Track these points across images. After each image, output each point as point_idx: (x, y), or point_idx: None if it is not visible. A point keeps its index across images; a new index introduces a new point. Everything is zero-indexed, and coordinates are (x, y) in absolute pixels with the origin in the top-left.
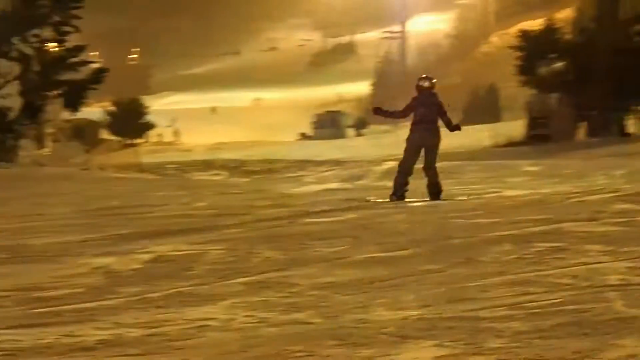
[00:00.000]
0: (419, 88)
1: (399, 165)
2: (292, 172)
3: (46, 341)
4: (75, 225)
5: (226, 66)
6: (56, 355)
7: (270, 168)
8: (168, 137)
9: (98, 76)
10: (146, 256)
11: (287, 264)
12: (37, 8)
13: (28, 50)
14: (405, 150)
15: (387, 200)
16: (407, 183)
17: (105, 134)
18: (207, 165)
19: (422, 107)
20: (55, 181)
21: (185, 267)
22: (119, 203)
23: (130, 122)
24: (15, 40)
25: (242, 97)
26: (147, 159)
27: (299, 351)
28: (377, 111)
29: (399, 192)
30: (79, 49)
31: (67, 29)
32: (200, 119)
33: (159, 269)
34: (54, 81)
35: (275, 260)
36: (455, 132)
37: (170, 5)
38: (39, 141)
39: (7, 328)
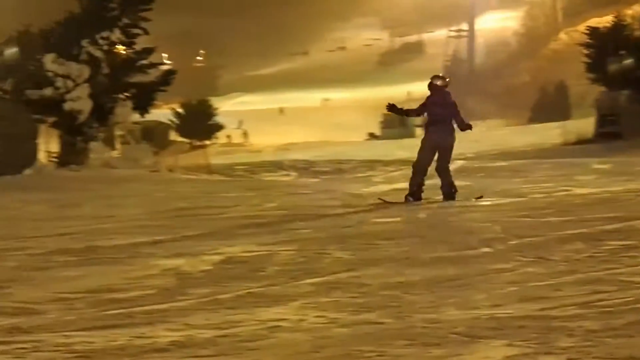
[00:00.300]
0: (433, 87)
1: (414, 166)
2: (360, 172)
3: (118, 343)
4: (145, 227)
5: (294, 66)
6: (128, 357)
7: (339, 168)
8: (237, 138)
9: (167, 78)
10: (217, 257)
11: (356, 264)
12: (106, 11)
13: (97, 53)
14: (421, 150)
15: (402, 201)
16: (423, 183)
17: (174, 136)
18: (276, 166)
19: (437, 107)
20: (125, 183)
21: (256, 268)
22: (189, 204)
23: (199, 123)
24: (84, 43)
25: (310, 98)
26: (216, 161)
27: (370, 351)
28: (392, 108)
29: (416, 194)
30: (148, 51)
31: (136, 31)
32: (269, 120)
33: (230, 270)
34: (123, 83)
35: (345, 261)
36: (467, 130)
37: (239, 6)
38: (109, 143)
39: (79, 330)
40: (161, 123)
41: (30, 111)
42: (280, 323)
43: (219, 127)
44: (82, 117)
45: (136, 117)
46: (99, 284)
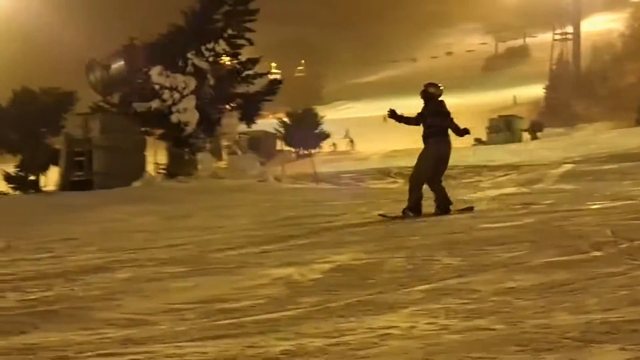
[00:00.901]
0: (429, 95)
1: (414, 179)
2: (468, 178)
3: (230, 352)
4: (254, 236)
5: (399, 73)
6: None
7: (446, 174)
8: (342, 146)
9: (273, 88)
10: (326, 266)
11: (466, 270)
12: (211, 22)
13: (203, 65)
14: (422, 163)
15: (401, 215)
16: (422, 196)
17: (280, 145)
18: (383, 173)
19: (434, 116)
20: (233, 193)
21: (365, 276)
22: (297, 214)
23: (305, 132)
24: (190, 54)
25: (415, 104)
26: (322, 169)
27: (481, 358)
28: (392, 114)
29: (416, 208)
30: (253, 62)
31: (240, 42)
32: (373, 127)
33: (339, 279)
34: (229, 94)
35: (455, 267)
36: (466, 135)
37: (342, 15)
38: (216, 154)
39: (191, 340)
40: (267, 133)
41: (138, 124)
42: (390, 330)
43: (325, 135)
44: (189, 129)
45: (242, 127)
46: (210, 294)
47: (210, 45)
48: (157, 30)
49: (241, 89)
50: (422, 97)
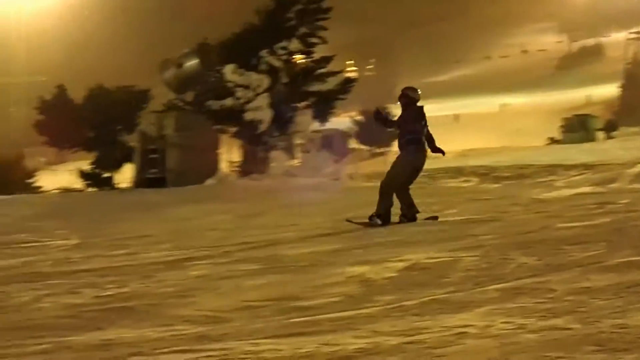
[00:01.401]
0: (409, 100)
1: (386, 186)
2: (542, 177)
3: (305, 350)
4: (327, 235)
5: (471, 72)
6: None
7: (520, 173)
8: None
9: (346, 86)
10: (400, 264)
11: (542, 269)
12: (284, 21)
13: (276, 63)
14: (398, 170)
15: (367, 222)
16: (392, 204)
17: (353, 144)
18: (456, 172)
19: (413, 123)
20: (306, 192)
21: (440, 274)
22: (370, 212)
23: (378, 130)
24: (263, 53)
25: (487, 103)
26: None
27: (559, 357)
28: (377, 114)
29: (385, 216)
30: (327, 60)
31: (314, 40)
32: (445, 126)
33: (414, 277)
34: (302, 92)
35: (530, 266)
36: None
37: (414, 14)
38: (289, 152)
39: (266, 338)
40: (341, 131)
41: (212, 122)
42: (466, 329)
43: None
44: (263, 127)
45: (316, 125)
46: (284, 291)
47: (283, 44)
48: (231, 29)
49: (315, 87)
50: (401, 102)
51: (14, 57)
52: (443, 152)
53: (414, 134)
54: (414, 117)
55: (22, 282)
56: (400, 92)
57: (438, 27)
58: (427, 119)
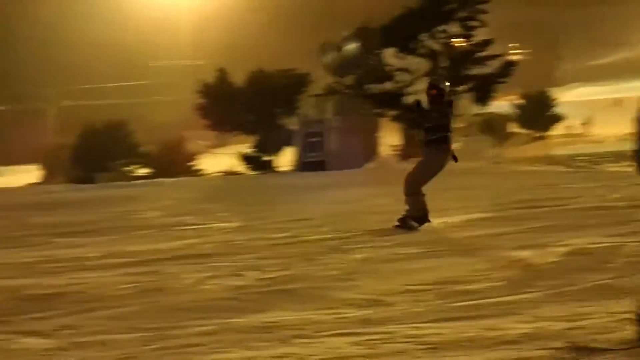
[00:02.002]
0: (439, 92)
1: (416, 186)
2: None
3: (467, 334)
4: (489, 219)
5: (633, 55)
6: (478, 349)
7: None
8: (577, 129)
9: (507, 70)
10: (562, 249)
11: None
12: (444, 4)
13: (436, 46)
14: (427, 170)
15: (397, 224)
16: (425, 202)
17: (514, 127)
18: (619, 156)
19: (442, 118)
20: (468, 176)
21: (603, 259)
22: (532, 196)
23: (539, 114)
24: (423, 36)
25: None
26: (557, 152)
27: None
28: (418, 107)
29: (423, 215)
30: (486, 43)
31: (473, 23)
32: (608, 110)
33: (576, 262)
34: (462, 76)
35: None
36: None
37: None
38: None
39: (429, 321)
40: (501, 115)
41: (371, 105)
42: (631, 315)
43: (559, 117)
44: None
45: (476, 109)
46: (446, 275)
47: (443, 27)
48: (391, 13)
49: (475, 70)
50: (432, 94)
51: (180, 41)
52: (456, 159)
53: (444, 131)
54: (443, 112)
55: (187, 264)
56: (429, 84)
57: (599, 9)
58: (591, 102)
